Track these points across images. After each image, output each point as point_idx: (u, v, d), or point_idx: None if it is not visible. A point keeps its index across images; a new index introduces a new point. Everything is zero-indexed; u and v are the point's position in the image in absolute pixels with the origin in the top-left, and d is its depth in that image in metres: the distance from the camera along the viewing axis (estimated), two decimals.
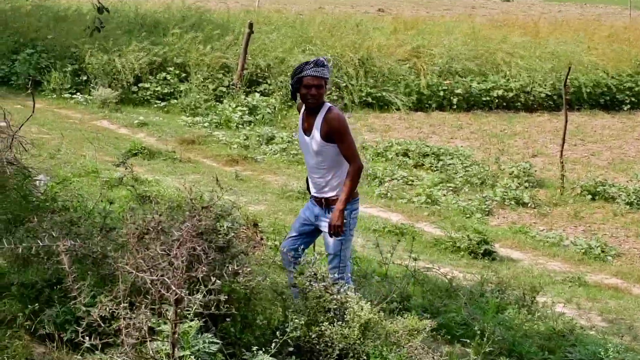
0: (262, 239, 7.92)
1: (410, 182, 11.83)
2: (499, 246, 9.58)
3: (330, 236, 5.76)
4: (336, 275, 5.58)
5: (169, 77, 16.19)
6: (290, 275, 5.49)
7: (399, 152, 13.05)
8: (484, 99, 17.30)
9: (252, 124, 14.51)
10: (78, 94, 15.76)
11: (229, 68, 16.56)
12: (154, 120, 14.65)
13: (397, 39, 18.62)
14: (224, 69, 16.56)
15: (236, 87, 15.68)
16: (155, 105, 15.70)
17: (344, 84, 16.48)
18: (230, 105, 15.02)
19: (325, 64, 5.75)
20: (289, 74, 16.16)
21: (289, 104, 15.52)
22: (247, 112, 14.86)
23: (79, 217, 5.21)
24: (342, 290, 5.03)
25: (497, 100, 17.33)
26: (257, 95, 15.70)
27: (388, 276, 6.94)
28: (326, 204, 5.84)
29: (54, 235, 4.15)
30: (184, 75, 16.32)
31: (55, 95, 15.68)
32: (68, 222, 4.75)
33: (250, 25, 16.09)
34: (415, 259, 7.28)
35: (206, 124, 14.47)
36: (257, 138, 13.45)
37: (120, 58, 16.16)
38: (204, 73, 16.13)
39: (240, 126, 14.39)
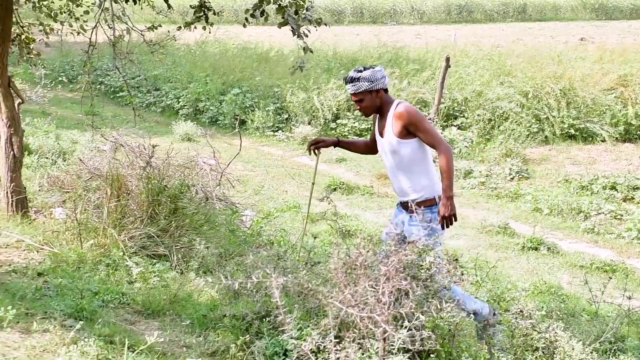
0: (462, 274, 7.81)
1: (619, 217, 11.23)
2: None
3: (442, 228, 5.40)
4: None
5: None
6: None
7: (606, 186, 12.44)
8: None
9: None
10: (279, 131, 16.32)
11: (425, 102, 16.55)
12: (352, 155, 14.88)
13: (602, 68, 17.81)
14: (421, 104, 16.57)
15: (433, 121, 15.63)
16: None
17: (545, 116, 15.99)
18: None
19: (355, 77, 5.50)
20: (486, 107, 15.92)
21: (487, 137, 15.24)
22: None
23: (285, 251, 5.35)
24: (550, 328, 4.83)
25: None
26: (454, 129, 15.56)
27: (598, 315, 6.60)
28: (410, 208, 5.42)
29: (267, 271, 4.27)
30: None
31: (258, 133, 16.32)
32: (275, 257, 4.88)
33: (447, 60, 16.02)
34: (629, 298, 6.87)
35: None
36: (455, 172, 13.29)
37: (319, 96, 16.60)
38: None
39: (437, 160, 14.27)
